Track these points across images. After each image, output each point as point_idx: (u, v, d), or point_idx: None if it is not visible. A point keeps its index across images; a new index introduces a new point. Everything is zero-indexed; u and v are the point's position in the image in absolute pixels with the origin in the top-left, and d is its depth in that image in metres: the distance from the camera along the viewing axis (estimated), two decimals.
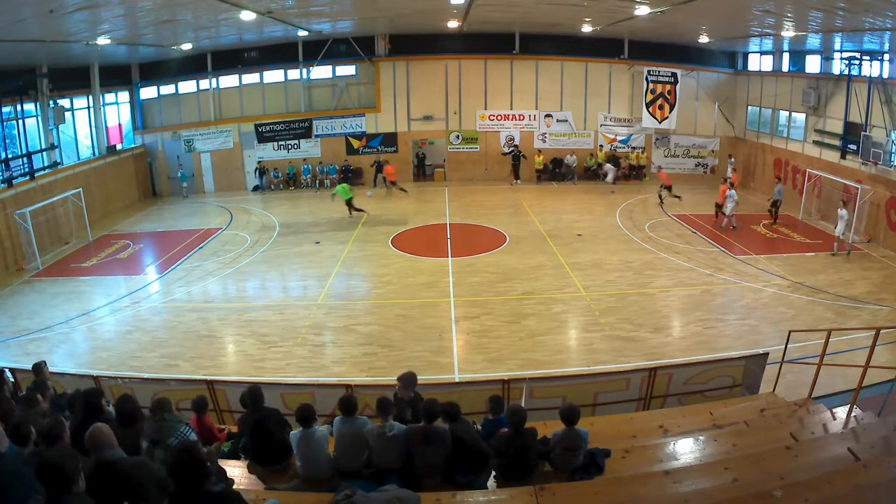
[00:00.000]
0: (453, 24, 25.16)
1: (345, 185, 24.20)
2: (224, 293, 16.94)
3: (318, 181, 29.49)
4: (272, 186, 29.41)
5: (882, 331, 8.10)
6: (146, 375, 11.17)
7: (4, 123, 21.21)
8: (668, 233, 21.01)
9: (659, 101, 28.34)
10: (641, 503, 5.34)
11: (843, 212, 18.46)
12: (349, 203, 23.28)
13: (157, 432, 5.95)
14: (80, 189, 21.94)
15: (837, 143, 21.94)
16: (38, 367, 7.87)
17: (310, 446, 6.14)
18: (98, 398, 6.07)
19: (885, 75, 19.57)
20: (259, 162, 29.34)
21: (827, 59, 22.85)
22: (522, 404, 8.16)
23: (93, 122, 25.79)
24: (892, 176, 19.16)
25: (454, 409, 6.27)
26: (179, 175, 28.68)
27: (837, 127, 22.00)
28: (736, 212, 21.35)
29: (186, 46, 24.82)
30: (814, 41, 22.33)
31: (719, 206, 21.96)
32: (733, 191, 21.45)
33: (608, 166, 28.72)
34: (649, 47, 28.29)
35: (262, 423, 6.37)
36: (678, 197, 23.85)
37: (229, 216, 24.70)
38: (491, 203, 25.85)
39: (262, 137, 29.23)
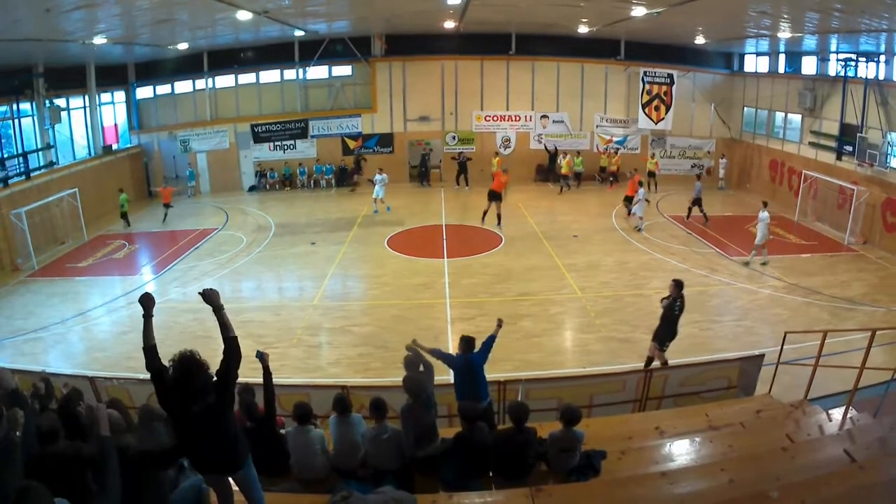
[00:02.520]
0: (450, 25, 25.16)
1: (125, 195, 23.55)
2: (219, 294, 16.84)
3: (313, 181, 29.47)
4: (267, 186, 29.32)
5: (878, 332, 8.12)
6: (142, 376, 11.11)
7: (0, 123, 21.16)
8: (663, 234, 21.03)
9: (655, 103, 28.36)
10: None
11: (763, 214, 17.64)
12: (124, 216, 23.16)
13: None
14: (76, 189, 21.88)
15: (833, 144, 22.00)
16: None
17: (305, 445, 6.14)
18: (74, 406, 5.57)
19: (881, 77, 19.64)
20: (258, 162, 29.27)
21: (823, 60, 22.90)
22: None
23: (89, 122, 25.71)
24: (888, 177, 19.22)
25: (472, 413, 6.25)
26: (188, 173, 28.67)
27: (833, 128, 22.06)
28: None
29: (183, 46, 24.75)
30: (810, 43, 22.41)
31: (629, 199, 22.14)
32: (642, 190, 21.23)
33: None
34: (645, 48, 28.31)
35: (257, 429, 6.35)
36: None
37: (225, 216, 24.66)
38: (486, 204, 25.79)
39: (258, 138, 29.13)
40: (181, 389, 4.37)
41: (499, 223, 21.39)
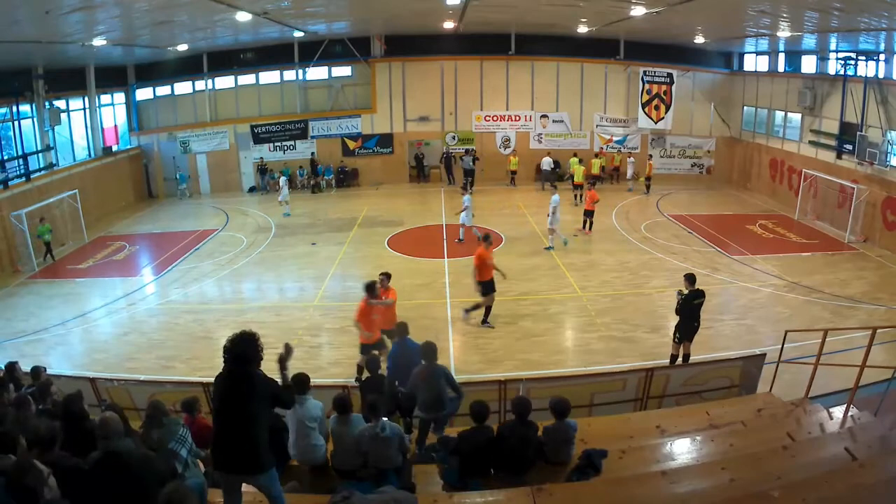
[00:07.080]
0: (449, 25, 25.16)
1: (47, 225, 19.71)
2: (220, 294, 16.90)
3: (313, 182, 29.44)
4: (267, 188, 29.25)
5: (878, 330, 8.11)
6: (142, 377, 11.13)
7: (0, 125, 21.16)
8: (664, 233, 21.01)
9: (655, 102, 28.37)
10: None
11: (555, 197, 18.78)
12: (48, 246, 19.62)
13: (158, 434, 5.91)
14: (76, 190, 21.88)
15: (833, 143, 21.99)
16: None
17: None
18: (79, 404, 5.86)
19: (881, 75, 19.63)
20: (262, 160, 29.20)
21: (823, 59, 22.89)
22: None
23: (89, 124, 25.72)
24: (888, 176, 19.22)
25: (484, 410, 6.28)
26: (178, 176, 28.66)
27: (833, 127, 22.04)
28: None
29: (182, 47, 24.77)
30: (809, 41, 22.39)
31: (589, 213, 21.16)
32: (468, 196, 20.37)
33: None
34: (645, 48, 28.29)
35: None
36: None
37: (225, 217, 24.65)
38: (487, 204, 25.80)
39: (258, 138, 29.17)
40: (228, 352, 4.85)
41: None
